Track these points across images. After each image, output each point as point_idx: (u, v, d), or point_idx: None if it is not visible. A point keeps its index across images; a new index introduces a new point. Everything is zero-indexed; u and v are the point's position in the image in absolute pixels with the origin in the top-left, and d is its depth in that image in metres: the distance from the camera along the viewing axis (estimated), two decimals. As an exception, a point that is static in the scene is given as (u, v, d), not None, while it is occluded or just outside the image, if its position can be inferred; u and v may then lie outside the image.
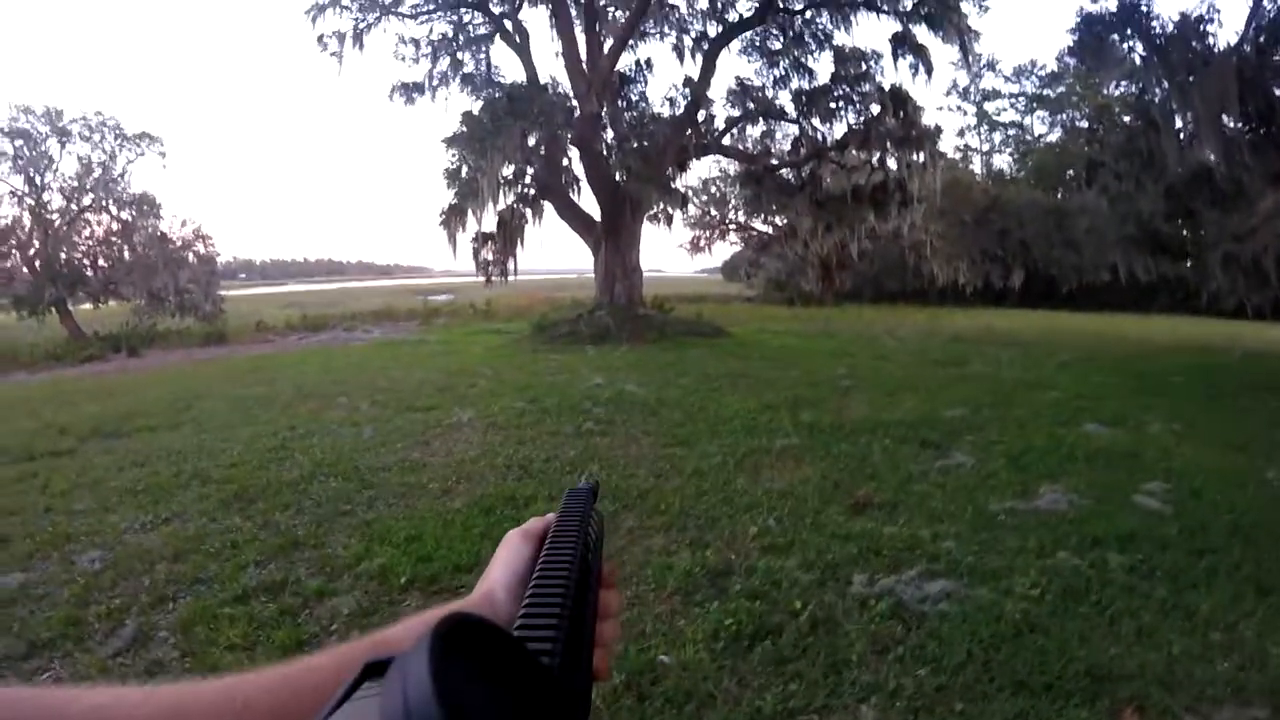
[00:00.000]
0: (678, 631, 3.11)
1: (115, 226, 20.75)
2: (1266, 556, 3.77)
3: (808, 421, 7.04)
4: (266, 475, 5.58)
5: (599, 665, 0.51)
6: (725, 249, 39.00)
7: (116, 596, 3.59)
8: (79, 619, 3.36)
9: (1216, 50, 12.66)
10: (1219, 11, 12.99)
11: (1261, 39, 11.95)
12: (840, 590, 3.48)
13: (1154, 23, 13.08)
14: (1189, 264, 22.54)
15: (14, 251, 19.42)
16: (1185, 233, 21.94)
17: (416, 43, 18.07)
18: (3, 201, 19.45)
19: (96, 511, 4.87)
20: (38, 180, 19.53)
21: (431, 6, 17.70)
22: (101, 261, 20.56)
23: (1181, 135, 13.93)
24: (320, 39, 17.18)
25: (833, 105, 17.67)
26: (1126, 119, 22.41)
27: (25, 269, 19.39)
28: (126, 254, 20.57)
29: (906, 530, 4.21)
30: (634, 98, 18.15)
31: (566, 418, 7.42)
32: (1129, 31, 13.35)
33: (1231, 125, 12.75)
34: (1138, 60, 13.84)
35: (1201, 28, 12.83)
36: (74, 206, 20.18)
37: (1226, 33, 13.66)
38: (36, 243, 19.50)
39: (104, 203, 20.50)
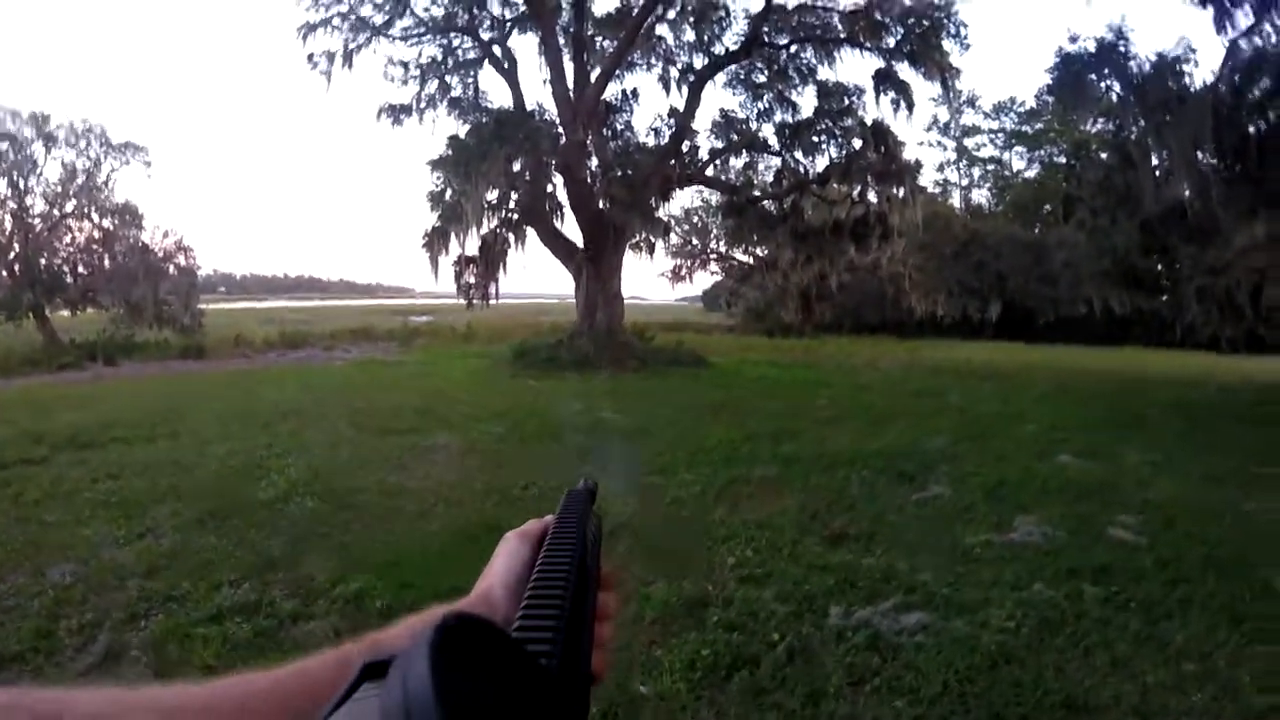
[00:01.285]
0: (655, 661, 3.10)
1: (97, 234, 20.64)
2: (1239, 587, 3.81)
3: (786, 452, 7.06)
4: (242, 493, 5.52)
5: (598, 667, 0.51)
6: (706, 278, 39.09)
7: (88, 611, 3.53)
8: (49, 632, 3.31)
9: (1192, 89, 12.99)
10: (1195, 52, 13.38)
11: (1237, 78, 12.25)
12: (817, 621, 3.48)
13: (1131, 63, 13.42)
14: (1164, 298, 22.92)
15: (-7, 254, 19.20)
16: (1160, 267, 22.34)
17: (405, 65, 18.12)
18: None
19: (69, 524, 4.79)
20: (21, 184, 19.38)
21: (421, 30, 17.78)
22: (81, 269, 20.40)
23: (1157, 172, 14.25)
24: (310, 57, 17.25)
25: (815, 139, 17.88)
26: (1103, 155, 22.93)
27: (4, 273, 19.15)
28: (107, 262, 20.41)
29: (883, 562, 4.22)
30: (619, 127, 18.30)
31: (545, 444, 7.40)
32: (1106, 71, 13.68)
33: (1206, 162, 13.05)
34: (1115, 99, 14.18)
35: (1178, 67, 13.18)
36: (56, 212, 20.05)
37: (1202, 72, 14.02)
38: (16, 247, 19.30)
39: (86, 210, 20.38)
